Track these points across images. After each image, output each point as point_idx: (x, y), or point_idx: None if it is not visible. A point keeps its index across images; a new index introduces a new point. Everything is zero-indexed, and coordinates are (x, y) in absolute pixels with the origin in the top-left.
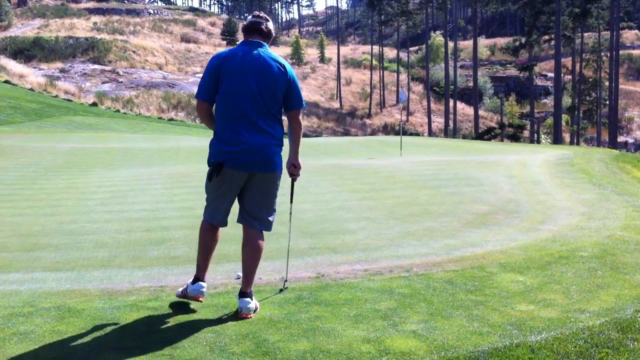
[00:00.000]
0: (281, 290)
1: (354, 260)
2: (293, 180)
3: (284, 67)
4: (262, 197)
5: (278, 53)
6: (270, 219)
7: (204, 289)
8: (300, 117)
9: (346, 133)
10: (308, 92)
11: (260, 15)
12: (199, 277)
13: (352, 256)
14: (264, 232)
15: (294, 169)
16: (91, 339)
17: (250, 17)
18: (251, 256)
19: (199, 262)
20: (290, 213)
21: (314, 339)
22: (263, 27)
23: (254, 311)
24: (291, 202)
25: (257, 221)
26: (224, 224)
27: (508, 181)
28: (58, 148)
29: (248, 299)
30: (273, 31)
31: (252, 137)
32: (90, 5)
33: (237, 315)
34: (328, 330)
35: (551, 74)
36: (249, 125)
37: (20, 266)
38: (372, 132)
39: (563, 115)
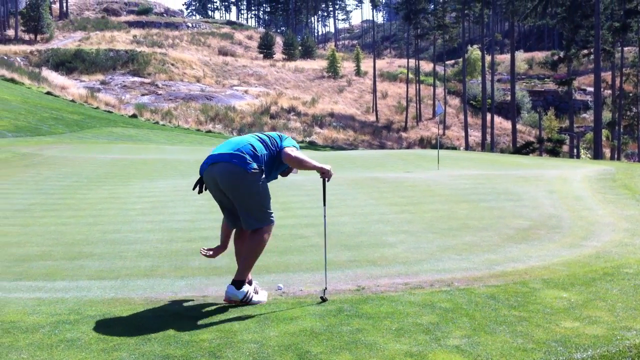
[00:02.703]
0: (321, 298)
1: (394, 273)
2: (325, 181)
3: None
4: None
5: (314, 66)
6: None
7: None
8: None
9: (382, 146)
10: (344, 105)
11: None
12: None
13: (392, 269)
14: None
15: (323, 174)
16: (136, 346)
17: None
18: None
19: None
20: (325, 216)
21: (356, 352)
22: None
23: (248, 302)
24: (324, 204)
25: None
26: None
27: (549, 196)
28: (99, 159)
29: (233, 287)
30: None
31: None
32: (130, 18)
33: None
34: (370, 343)
35: (590, 88)
36: None
37: (66, 274)
38: (408, 145)
39: (603, 130)
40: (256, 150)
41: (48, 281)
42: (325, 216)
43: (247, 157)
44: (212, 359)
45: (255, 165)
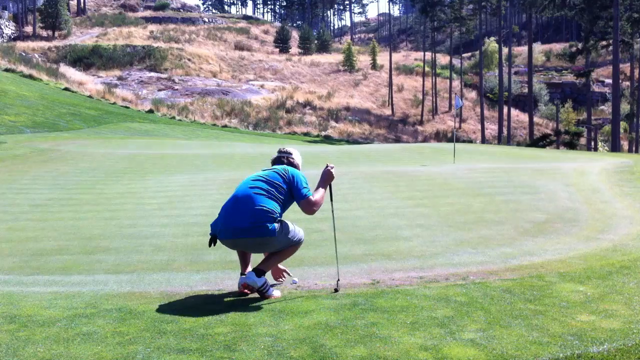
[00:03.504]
0: (335, 290)
1: (409, 267)
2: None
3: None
4: None
5: (330, 60)
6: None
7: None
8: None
9: (398, 140)
10: (360, 99)
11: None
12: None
13: (407, 263)
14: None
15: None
16: (152, 340)
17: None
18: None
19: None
20: (332, 210)
21: (371, 345)
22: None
23: (264, 292)
24: (331, 200)
25: None
26: None
27: (566, 189)
28: (116, 154)
29: (253, 273)
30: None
31: None
32: (147, 14)
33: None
34: (384, 336)
35: (608, 80)
36: None
37: (82, 268)
38: (424, 139)
39: (621, 122)
40: (273, 213)
41: (65, 275)
42: (333, 210)
43: (268, 224)
44: (227, 352)
45: (276, 226)
